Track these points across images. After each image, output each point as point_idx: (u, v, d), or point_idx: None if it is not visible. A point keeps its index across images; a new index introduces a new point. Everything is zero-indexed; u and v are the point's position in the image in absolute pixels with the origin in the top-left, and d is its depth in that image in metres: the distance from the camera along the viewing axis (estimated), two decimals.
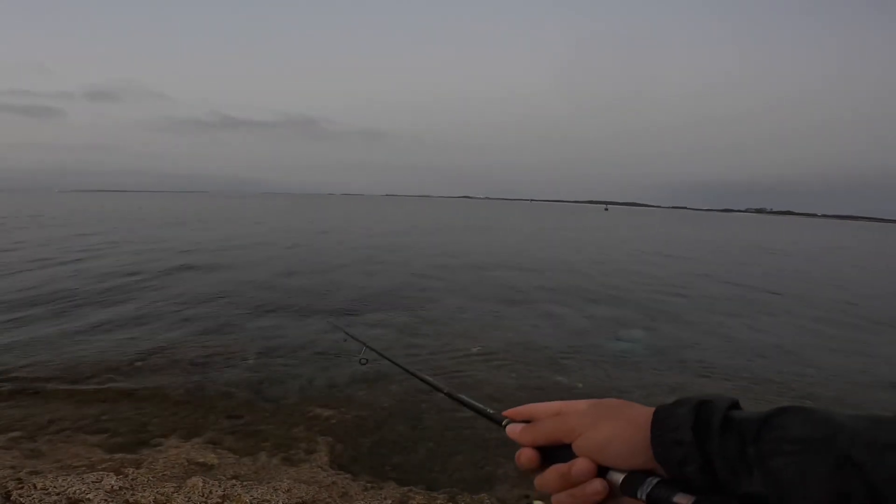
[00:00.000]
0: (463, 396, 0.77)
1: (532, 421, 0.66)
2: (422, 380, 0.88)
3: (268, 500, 3.35)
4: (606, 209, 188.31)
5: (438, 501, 3.54)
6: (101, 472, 3.49)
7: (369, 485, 3.72)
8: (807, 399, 6.07)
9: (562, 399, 0.67)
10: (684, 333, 8.89)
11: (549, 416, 0.65)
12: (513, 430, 0.66)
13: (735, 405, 0.56)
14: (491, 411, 0.71)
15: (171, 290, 10.53)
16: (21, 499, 2.96)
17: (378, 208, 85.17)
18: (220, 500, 3.30)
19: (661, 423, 0.56)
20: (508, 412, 0.69)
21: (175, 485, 3.44)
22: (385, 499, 3.51)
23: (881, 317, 11.28)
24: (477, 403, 0.73)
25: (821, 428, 0.48)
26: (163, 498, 3.27)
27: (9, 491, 3.01)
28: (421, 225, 40.26)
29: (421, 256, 18.01)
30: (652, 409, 0.59)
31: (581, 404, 0.63)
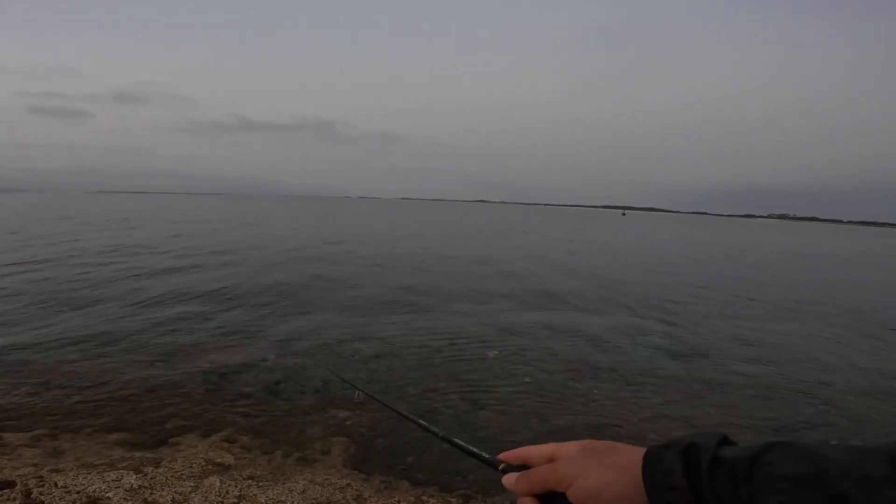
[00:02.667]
0: (458, 441, 0.77)
1: (526, 464, 0.67)
2: (416, 423, 0.87)
3: (283, 501, 3.38)
4: (624, 214, 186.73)
5: (452, 503, 3.54)
6: (121, 471, 3.55)
7: (383, 486, 3.73)
8: (831, 408, 5.96)
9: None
10: (708, 340, 8.77)
11: (542, 459, 0.65)
12: (508, 480, 0.66)
13: (725, 441, 0.57)
14: (487, 456, 0.71)
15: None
16: (42, 497, 3.03)
17: (412, 212, 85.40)
18: (236, 501, 3.34)
19: (652, 468, 0.56)
20: (503, 455, 0.70)
21: (193, 484, 3.49)
22: (399, 501, 3.52)
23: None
24: (472, 448, 0.73)
25: (810, 464, 0.48)
26: (181, 497, 3.31)
27: (30, 489, 3.07)
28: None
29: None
30: (641, 452, 0.59)
31: (572, 448, 0.64)
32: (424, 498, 3.59)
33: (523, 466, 0.67)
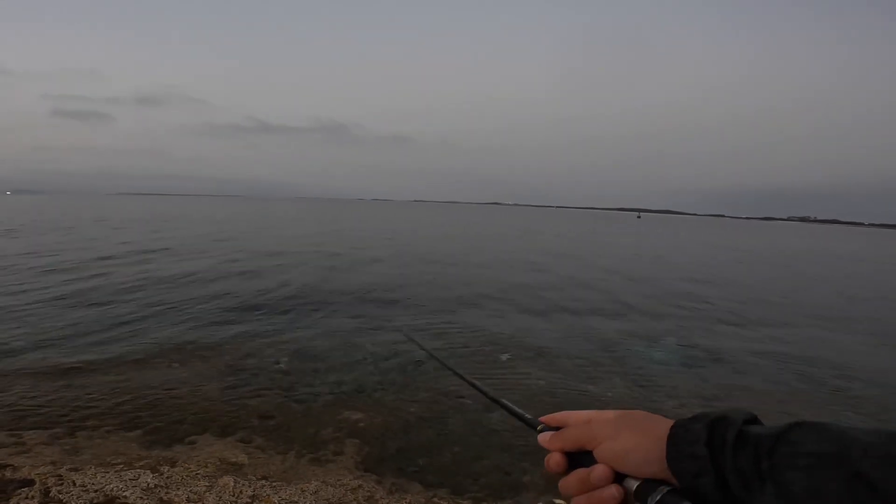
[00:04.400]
0: (505, 402, 0.81)
1: (564, 426, 0.69)
2: (468, 382, 0.92)
3: (296, 502, 3.41)
4: (639, 217, 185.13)
5: None
6: (137, 470, 3.61)
7: (395, 487, 3.75)
8: (851, 414, 5.86)
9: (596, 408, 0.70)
10: (725, 344, 8.67)
11: (579, 423, 0.67)
12: (543, 437, 0.69)
13: (753, 420, 0.58)
14: (529, 416, 0.75)
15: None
16: (60, 495, 3.09)
17: (434, 215, 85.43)
18: (249, 501, 3.38)
19: (677, 437, 0.57)
20: (544, 418, 0.73)
21: (207, 484, 3.53)
22: (410, 502, 3.54)
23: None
24: (517, 409, 0.77)
25: (834, 442, 0.48)
26: (195, 496, 3.36)
27: (48, 487, 3.14)
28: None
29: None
30: (670, 423, 0.60)
31: (609, 414, 0.66)
32: (435, 500, 3.60)
33: (559, 429, 0.69)
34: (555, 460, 0.66)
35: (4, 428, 4.41)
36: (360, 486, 3.70)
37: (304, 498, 3.45)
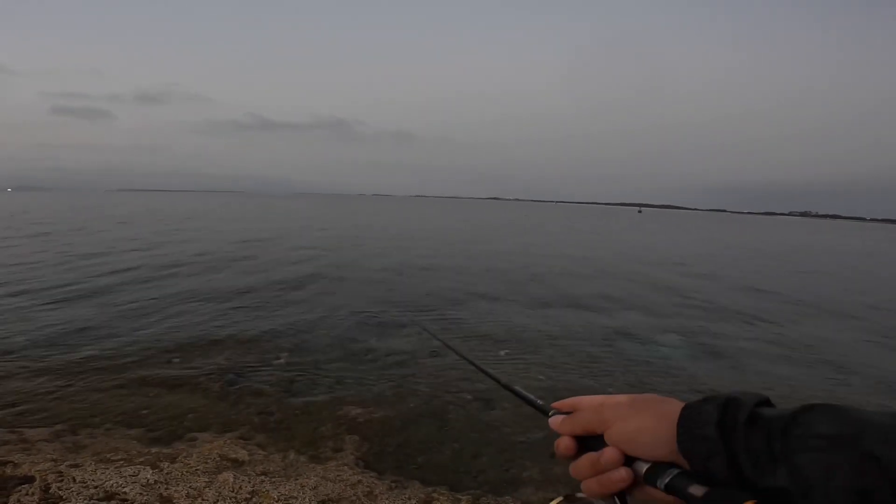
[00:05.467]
0: (517, 388, 0.82)
1: (574, 410, 0.69)
2: (480, 369, 0.92)
3: (295, 497, 3.42)
4: (640, 211, 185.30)
5: (462, 503, 3.55)
6: (137, 466, 3.62)
7: (394, 484, 3.75)
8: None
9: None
10: (727, 339, 8.67)
11: (590, 408, 0.67)
12: (554, 421, 0.69)
13: (765, 402, 0.58)
14: (540, 402, 0.75)
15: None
16: (60, 492, 3.10)
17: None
18: (248, 496, 3.38)
19: (688, 418, 0.57)
20: (556, 403, 0.73)
21: (207, 479, 3.54)
22: (409, 499, 3.54)
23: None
24: (529, 395, 0.78)
25: (848, 425, 0.48)
26: (195, 492, 3.37)
27: (48, 484, 3.15)
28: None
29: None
30: (681, 405, 0.60)
31: (621, 398, 0.66)
32: (435, 496, 3.60)
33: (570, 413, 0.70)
34: (564, 444, 0.67)
35: (6, 425, 4.43)
36: (359, 481, 3.71)
37: (303, 494, 3.46)
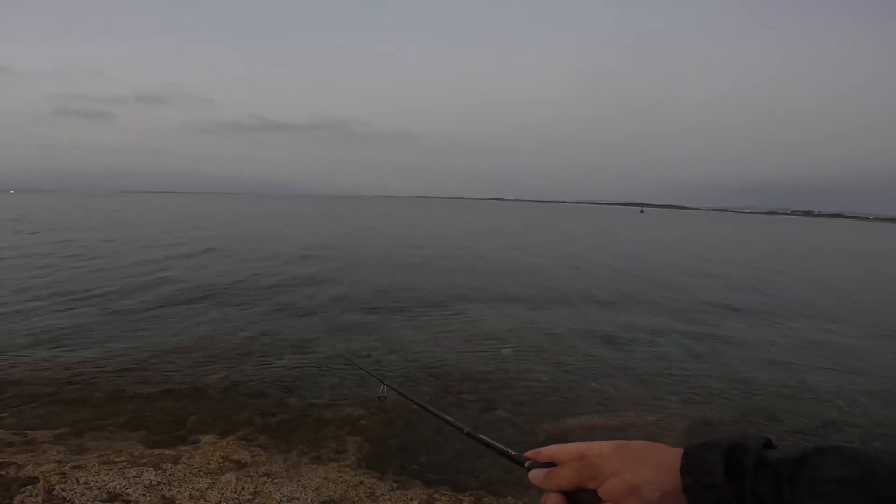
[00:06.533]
0: (483, 437, 0.77)
1: (554, 463, 0.65)
2: (441, 419, 0.88)
3: (297, 498, 3.43)
4: (642, 211, 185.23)
5: (464, 503, 3.55)
6: (141, 468, 3.64)
7: (396, 484, 3.76)
8: (855, 409, 5.84)
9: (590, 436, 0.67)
10: (728, 338, 8.66)
11: (571, 458, 0.63)
12: (536, 475, 0.64)
13: (769, 444, 0.56)
14: (513, 452, 0.70)
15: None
16: (64, 493, 3.12)
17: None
18: (251, 497, 3.40)
19: (692, 466, 0.55)
20: (530, 454, 0.68)
21: (209, 481, 3.56)
22: (412, 499, 3.55)
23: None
24: (498, 444, 0.73)
25: (858, 467, 0.47)
26: (197, 493, 3.38)
27: (52, 485, 3.17)
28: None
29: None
30: (678, 452, 0.58)
31: (605, 447, 0.62)
32: (436, 496, 3.61)
33: (550, 465, 0.65)
34: (554, 502, 0.62)
35: (10, 427, 4.45)
36: (361, 482, 3.72)
37: (305, 494, 3.47)
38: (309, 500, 3.42)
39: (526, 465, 0.67)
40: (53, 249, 17.26)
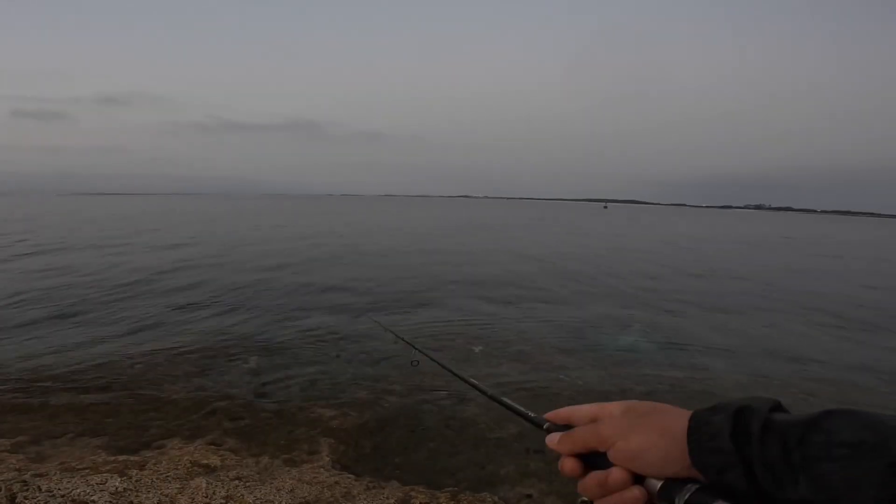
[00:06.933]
0: (506, 400, 0.79)
1: (571, 424, 0.67)
2: (468, 382, 0.91)
3: (271, 501, 3.37)
4: (605, 207, 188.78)
5: (440, 500, 3.56)
6: (105, 474, 3.51)
7: (371, 484, 3.74)
8: (809, 397, 6.10)
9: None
10: (687, 330, 8.91)
11: (585, 419, 0.66)
12: (551, 439, 0.66)
13: (777, 407, 0.56)
14: (532, 415, 0.72)
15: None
16: (26, 501, 2.98)
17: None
18: (223, 501, 3.32)
19: (698, 430, 0.55)
20: (549, 415, 0.70)
21: (179, 486, 3.46)
22: (387, 498, 3.53)
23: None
24: (520, 407, 0.75)
25: (871, 432, 0.46)
26: (167, 499, 3.28)
27: (14, 493, 3.03)
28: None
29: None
30: (686, 415, 0.58)
31: (616, 409, 0.64)
32: (413, 494, 3.60)
33: (567, 426, 0.67)
34: (569, 466, 0.64)
35: None
36: (336, 482, 3.68)
37: (280, 497, 3.41)
38: (283, 502, 3.36)
39: (545, 426, 0.69)
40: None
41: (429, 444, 4.52)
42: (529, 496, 3.74)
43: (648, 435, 0.58)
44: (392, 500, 3.50)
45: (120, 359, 6.44)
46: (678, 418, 0.58)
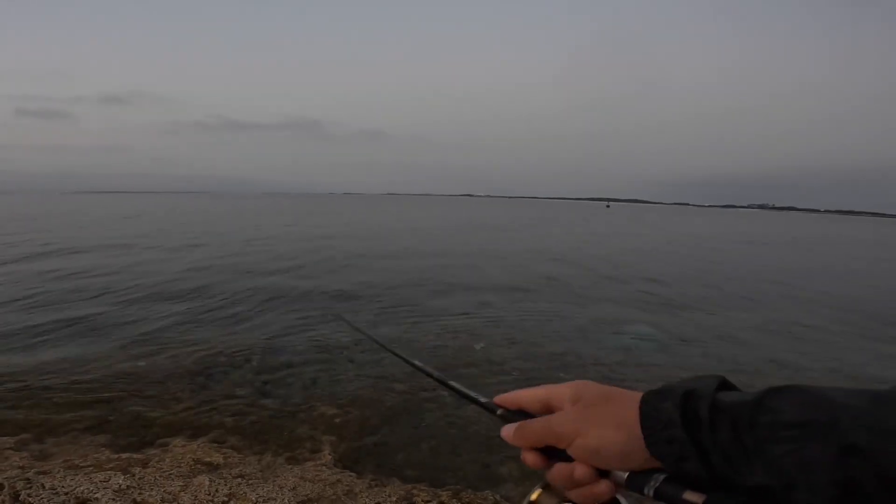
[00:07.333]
0: (454, 384, 0.74)
1: (521, 408, 0.66)
2: (412, 365, 0.84)
3: (273, 499, 3.38)
4: (608, 206, 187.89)
5: (442, 498, 3.56)
6: (108, 472, 3.53)
7: (374, 482, 3.75)
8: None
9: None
10: (693, 329, 8.90)
11: (536, 403, 0.64)
12: (507, 433, 0.64)
13: (723, 384, 0.54)
14: (484, 400, 0.69)
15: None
16: (30, 498, 3.00)
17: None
18: (226, 499, 3.33)
19: (650, 420, 0.54)
20: (498, 399, 0.68)
21: (182, 483, 3.47)
22: (390, 496, 3.54)
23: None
24: (470, 392, 0.71)
25: (819, 410, 0.44)
26: (170, 497, 3.30)
27: (17, 491, 3.04)
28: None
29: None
30: (636, 400, 0.57)
31: (566, 393, 0.62)
32: (415, 492, 3.61)
33: (520, 412, 0.66)
34: (531, 459, 0.62)
35: None
36: (338, 480, 3.69)
37: (282, 494, 3.43)
38: (286, 500, 3.38)
39: (498, 412, 0.67)
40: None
41: (431, 441, 4.52)
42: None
43: (605, 429, 0.56)
44: (394, 498, 3.51)
45: (124, 357, 6.45)
46: (630, 406, 0.56)
